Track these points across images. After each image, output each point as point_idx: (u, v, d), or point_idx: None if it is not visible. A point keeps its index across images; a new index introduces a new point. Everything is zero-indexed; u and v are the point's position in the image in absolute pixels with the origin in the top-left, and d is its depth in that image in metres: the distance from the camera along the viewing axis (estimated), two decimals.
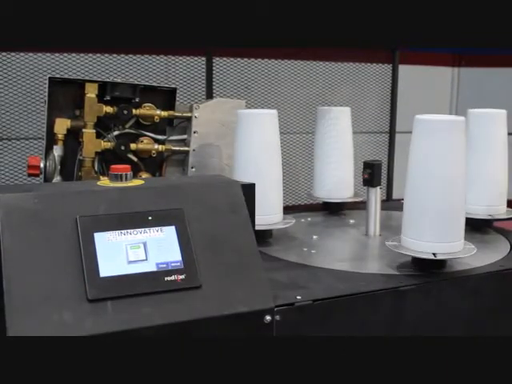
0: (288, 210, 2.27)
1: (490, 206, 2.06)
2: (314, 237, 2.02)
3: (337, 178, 2.32)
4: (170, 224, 1.34)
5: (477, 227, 2.06)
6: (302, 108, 2.94)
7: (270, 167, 1.93)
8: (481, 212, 2.05)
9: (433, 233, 1.60)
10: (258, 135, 1.91)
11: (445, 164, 1.58)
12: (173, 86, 2.31)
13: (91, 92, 2.03)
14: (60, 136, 2.02)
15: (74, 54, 2.44)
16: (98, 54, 2.48)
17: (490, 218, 2.06)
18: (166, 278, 1.28)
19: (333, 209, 2.36)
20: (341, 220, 2.29)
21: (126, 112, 2.07)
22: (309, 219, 2.29)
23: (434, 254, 1.59)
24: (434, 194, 1.59)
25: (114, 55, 2.50)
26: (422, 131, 1.61)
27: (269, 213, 1.90)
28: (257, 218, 1.54)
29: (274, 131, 1.94)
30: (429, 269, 1.64)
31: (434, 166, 1.59)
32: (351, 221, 2.26)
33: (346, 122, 2.35)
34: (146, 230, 1.32)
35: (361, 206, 2.31)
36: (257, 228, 1.57)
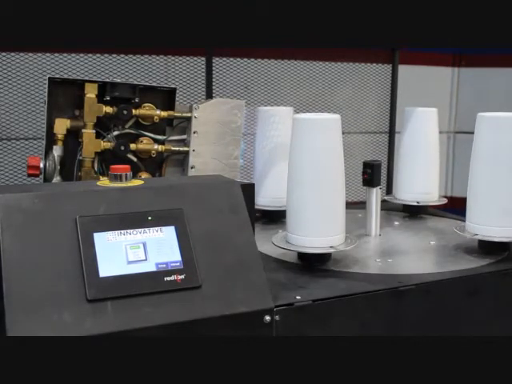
0: None
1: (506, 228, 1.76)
2: None
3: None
4: (169, 224, 1.34)
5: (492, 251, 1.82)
6: (302, 108, 2.94)
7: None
8: (497, 234, 1.76)
9: (312, 228, 1.65)
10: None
11: (318, 162, 1.64)
12: (172, 86, 2.31)
13: (91, 92, 2.03)
14: (60, 136, 2.01)
15: (73, 54, 2.44)
16: (98, 54, 2.47)
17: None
18: (165, 278, 1.28)
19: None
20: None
21: (125, 112, 2.07)
22: None
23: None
24: (310, 191, 1.64)
25: (114, 55, 2.50)
26: (298, 130, 1.66)
27: None
28: None
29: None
30: (314, 262, 1.69)
31: (310, 164, 1.64)
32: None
33: (432, 123, 2.37)
34: (146, 230, 1.32)
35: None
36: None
